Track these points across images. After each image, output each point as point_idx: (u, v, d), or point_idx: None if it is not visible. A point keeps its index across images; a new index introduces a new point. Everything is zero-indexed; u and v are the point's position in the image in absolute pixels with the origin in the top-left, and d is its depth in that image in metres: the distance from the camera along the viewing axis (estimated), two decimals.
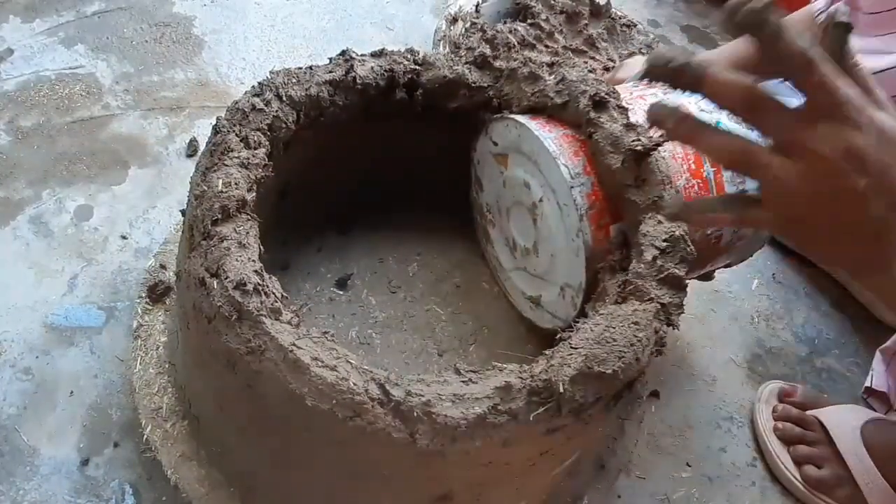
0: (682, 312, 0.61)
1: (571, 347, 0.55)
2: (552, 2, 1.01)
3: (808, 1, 1.40)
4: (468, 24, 1.03)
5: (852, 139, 0.37)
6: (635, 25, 1.06)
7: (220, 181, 0.60)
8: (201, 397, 0.68)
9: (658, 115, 0.42)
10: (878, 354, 0.94)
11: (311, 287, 0.83)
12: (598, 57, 0.98)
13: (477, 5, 1.09)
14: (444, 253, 0.89)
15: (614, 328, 0.56)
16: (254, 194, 0.62)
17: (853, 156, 0.37)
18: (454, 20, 1.09)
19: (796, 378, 0.94)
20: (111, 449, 0.73)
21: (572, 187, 0.66)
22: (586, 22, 1.01)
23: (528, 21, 0.99)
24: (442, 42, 1.07)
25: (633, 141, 0.64)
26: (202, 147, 0.68)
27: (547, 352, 0.56)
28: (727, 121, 0.74)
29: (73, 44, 1.09)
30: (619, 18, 1.05)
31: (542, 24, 0.97)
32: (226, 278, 0.55)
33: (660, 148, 0.64)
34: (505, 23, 1.03)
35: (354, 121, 0.74)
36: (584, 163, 0.67)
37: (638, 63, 0.95)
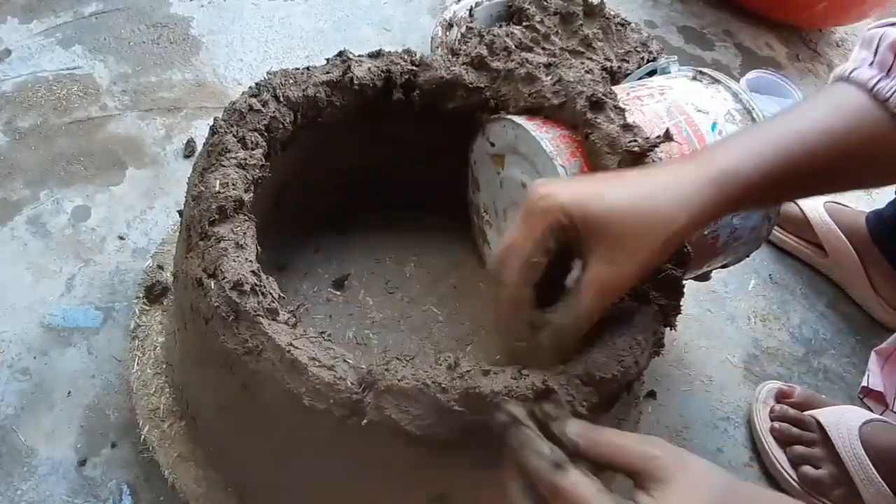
0: (680, 313, 0.61)
1: None
2: (545, 3, 1.01)
3: (806, 2, 1.41)
4: (463, 29, 1.03)
5: None
6: (629, 24, 1.06)
7: (218, 182, 0.60)
8: (199, 398, 0.68)
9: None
10: (873, 355, 0.94)
11: (308, 287, 0.83)
12: (594, 57, 0.98)
13: (471, 9, 1.09)
14: (442, 254, 0.89)
15: (612, 330, 0.56)
16: (251, 195, 0.62)
17: None
18: (450, 25, 1.09)
19: (793, 378, 0.94)
20: (109, 449, 0.73)
21: None
22: (581, 22, 1.01)
23: (524, 24, 0.98)
24: (440, 48, 1.07)
25: (630, 142, 0.64)
26: (199, 148, 0.68)
27: None
28: (723, 122, 0.75)
29: (70, 44, 1.09)
30: (613, 18, 1.05)
31: (537, 25, 0.96)
32: (223, 279, 0.55)
33: (656, 149, 0.64)
34: (500, 26, 1.03)
35: (351, 121, 0.74)
36: (580, 163, 0.67)
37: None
